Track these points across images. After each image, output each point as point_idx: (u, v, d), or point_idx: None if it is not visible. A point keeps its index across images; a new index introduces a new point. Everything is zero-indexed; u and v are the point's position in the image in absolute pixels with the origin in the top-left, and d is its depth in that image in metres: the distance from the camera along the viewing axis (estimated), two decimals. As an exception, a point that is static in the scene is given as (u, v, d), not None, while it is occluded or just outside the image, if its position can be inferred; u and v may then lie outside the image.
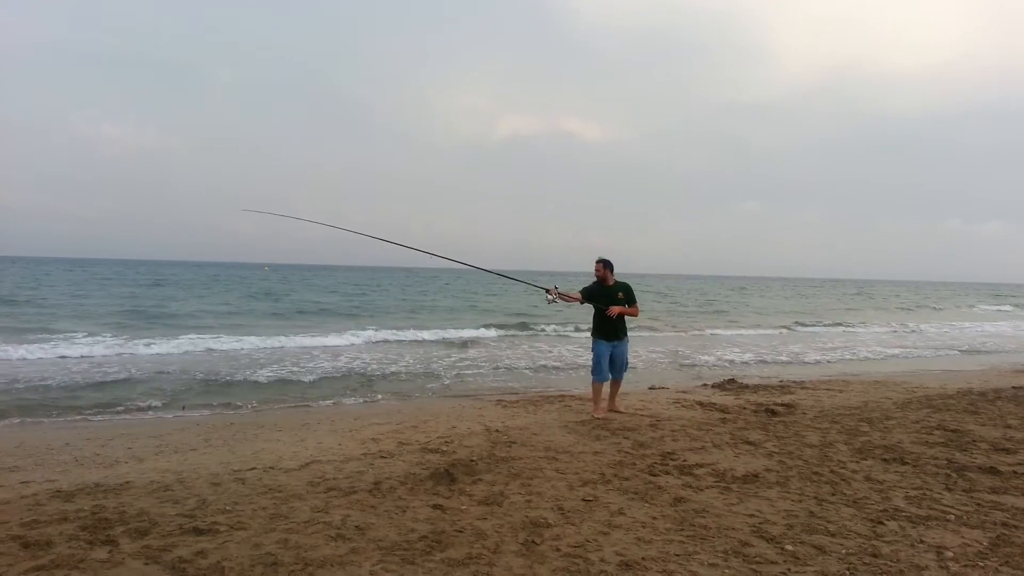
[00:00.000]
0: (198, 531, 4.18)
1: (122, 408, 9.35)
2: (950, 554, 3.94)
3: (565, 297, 8.15)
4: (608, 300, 8.06)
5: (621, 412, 8.33)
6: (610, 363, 8.22)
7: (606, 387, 8.39)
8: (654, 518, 4.53)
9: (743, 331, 25.03)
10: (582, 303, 8.19)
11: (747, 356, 17.33)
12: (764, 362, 16.34)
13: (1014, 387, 10.53)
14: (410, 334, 20.22)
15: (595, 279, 8.20)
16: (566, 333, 21.81)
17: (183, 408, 9.35)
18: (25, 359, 13.61)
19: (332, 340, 18.42)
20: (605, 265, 8.10)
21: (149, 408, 9.43)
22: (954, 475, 5.56)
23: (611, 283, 8.15)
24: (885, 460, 6.04)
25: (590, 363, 8.35)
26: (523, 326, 23.66)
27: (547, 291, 8.05)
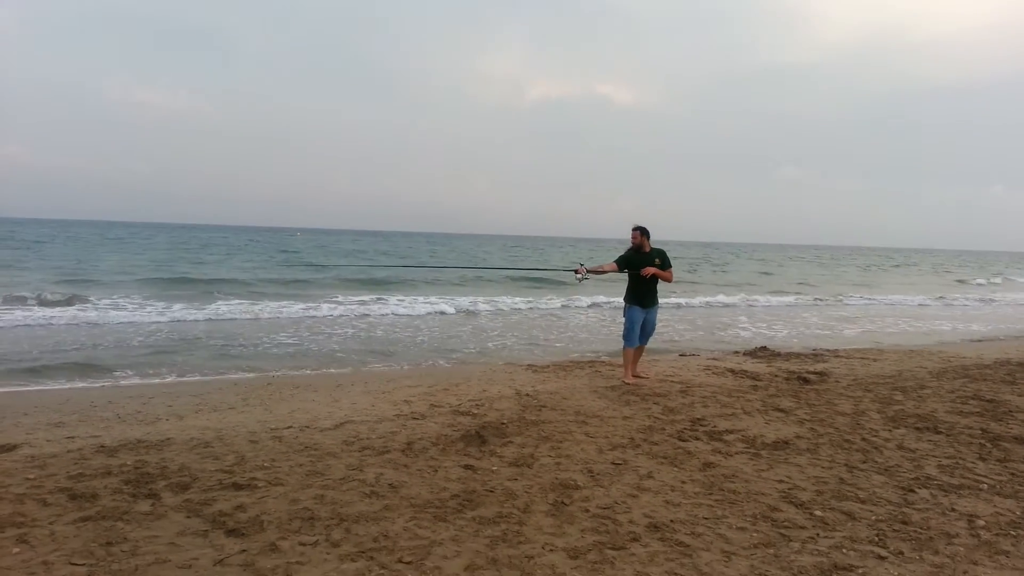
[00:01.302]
0: (237, 486, 4.31)
1: (164, 369, 9.59)
2: (982, 522, 3.93)
3: (595, 272, 8.16)
4: (644, 266, 8.03)
5: (646, 377, 8.34)
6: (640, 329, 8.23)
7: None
8: (683, 482, 4.56)
9: (776, 299, 24.78)
10: (619, 271, 8.18)
11: (779, 325, 17.20)
12: (797, 331, 16.21)
13: (1054, 358, 10.33)
14: (448, 301, 20.35)
15: (631, 247, 8.17)
16: (596, 302, 21.78)
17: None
18: (61, 321, 13.97)
19: (356, 308, 18.66)
20: (642, 232, 8.08)
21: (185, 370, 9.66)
22: (988, 445, 5.50)
23: (647, 250, 8.12)
24: (918, 429, 5.99)
25: (621, 329, 8.36)
26: (545, 292, 23.67)
27: (575, 271, 8.07)
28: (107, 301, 17.38)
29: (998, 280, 45.11)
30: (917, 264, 67.88)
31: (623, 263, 8.13)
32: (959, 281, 42.72)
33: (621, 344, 8.38)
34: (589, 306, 19.71)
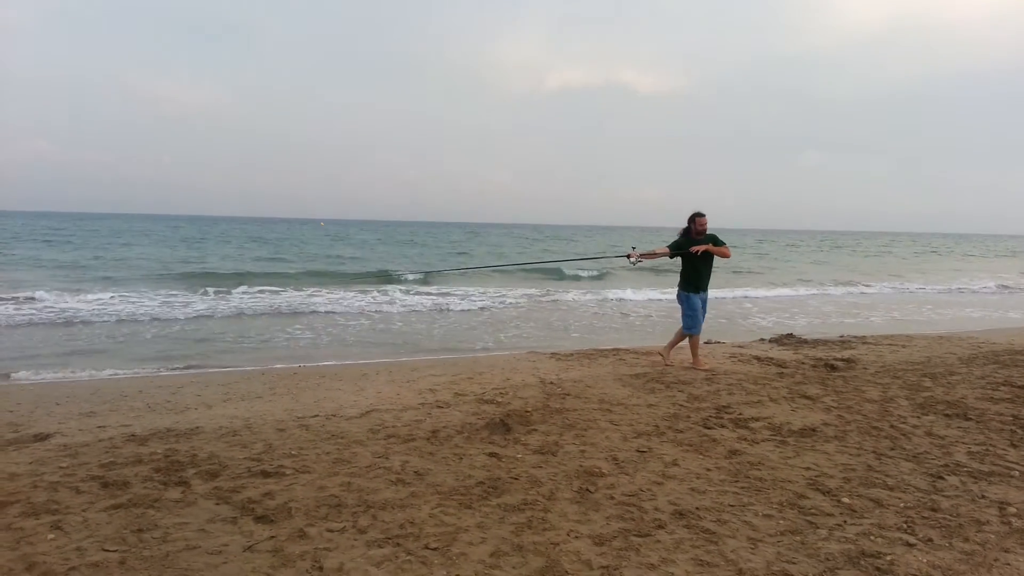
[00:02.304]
0: (265, 474, 4.36)
1: (195, 360, 9.72)
2: (1013, 510, 3.87)
3: (648, 255, 8.21)
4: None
5: (672, 365, 8.32)
6: None
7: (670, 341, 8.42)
8: (708, 470, 4.55)
9: (802, 289, 24.55)
10: (671, 257, 8.17)
11: (805, 312, 17.05)
12: (823, 318, 16.06)
13: (1088, 344, 10.13)
14: (469, 289, 20.41)
15: (684, 232, 8.19)
16: (624, 295, 21.72)
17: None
18: (89, 312, 14.20)
19: (376, 298, 18.87)
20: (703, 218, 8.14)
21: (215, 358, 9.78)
22: (1020, 431, 5.42)
23: (702, 235, 8.14)
24: (947, 416, 5.92)
25: (680, 319, 8.40)
26: (570, 281, 23.64)
27: (627, 256, 8.09)
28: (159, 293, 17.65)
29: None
30: (937, 252, 66.78)
31: (675, 247, 8.12)
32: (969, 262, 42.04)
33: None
34: (614, 299, 19.66)
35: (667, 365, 8.27)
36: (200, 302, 16.21)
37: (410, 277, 22.67)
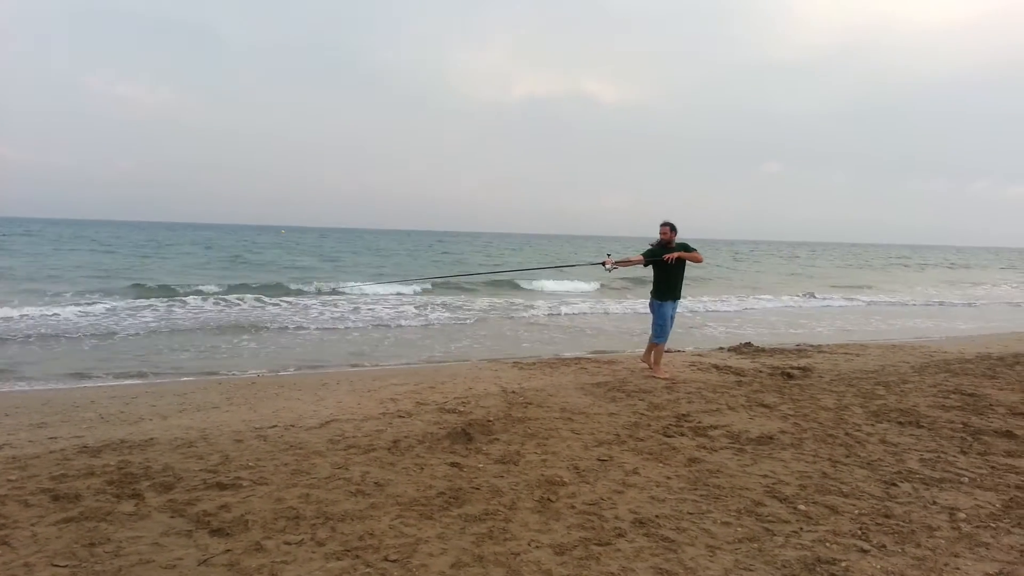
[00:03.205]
0: (221, 486, 4.29)
1: (148, 370, 9.53)
2: (962, 515, 3.97)
3: (623, 263, 8.34)
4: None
5: (665, 376, 8.36)
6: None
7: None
8: (668, 478, 4.58)
9: (762, 297, 24.92)
10: (644, 265, 8.26)
11: (764, 321, 17.31)
12: (781, 327, 16.32)
13: (1034, 352, 10.45)
14: (432, 296, 20.33)
15: (657, 242, 8.27)
16: (585, 299, 21.86)
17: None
18: (38, 319, 13.82)
19: (333, 308, 18.69)
20: (671, 228, 8.20)
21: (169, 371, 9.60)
22: (969, 439, 5.56)
23: (672, 245, 8.23)
24: (900, 423, 6.05)
25: (650, 329, 8.50)
26: (530, 293, 23.71)
27: (603, 263, 8.17)
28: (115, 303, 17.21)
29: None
30: (901, 262, 68.27)
31: (649, 255, 8.21)
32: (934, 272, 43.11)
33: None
34: (576, 300, 19.75)
35: (659, 376, 8.28)
36: (146, 312, 15.68)
37: (366, 289, 22.41)
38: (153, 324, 13.89)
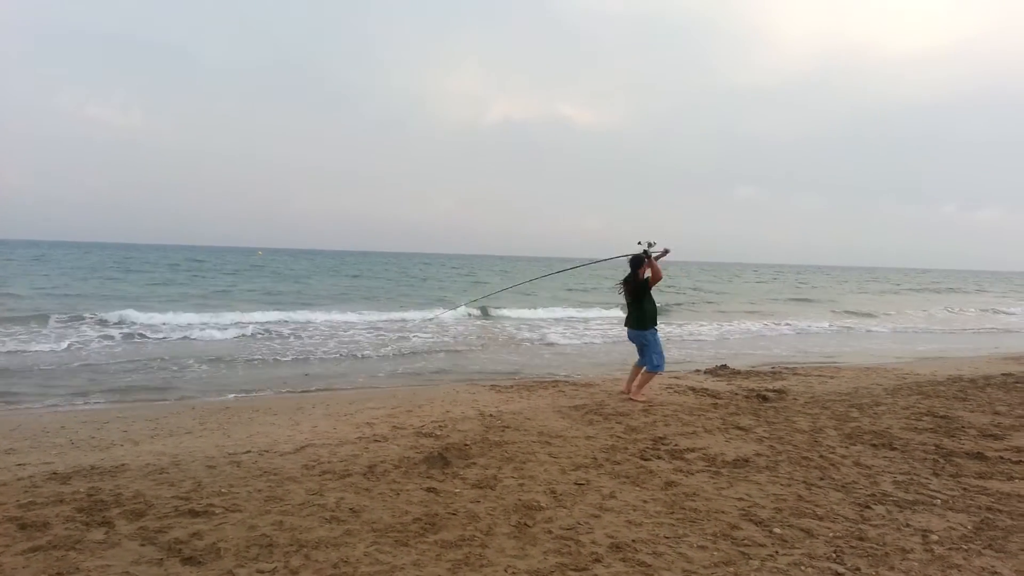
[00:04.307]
0: (194, 513, 4.23)
1: (121, 392, 9.39)
2: (935, 537, 4.01)
3: (661, 256, 8.36)
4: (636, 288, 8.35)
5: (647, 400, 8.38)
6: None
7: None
8: (645, 502, 4.59)
9: (735, 321, 25.11)
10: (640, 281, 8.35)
11: (740, 343, 17.44)
12: (757, 349, 16.44)
13: (1003, 374, 10.62)
14: (408, 314, 20.26)
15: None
16: (567, 319, 21.89)
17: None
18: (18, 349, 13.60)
19: (317, 315, 18.72)
20: (638, 265, 8.36)
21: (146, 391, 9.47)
22: (942, 460, 5.63)
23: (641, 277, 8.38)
24: (874, 445, 6.11)
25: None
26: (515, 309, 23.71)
27: (650, 249, 8.29)
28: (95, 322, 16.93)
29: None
30: (873, 283, 69.03)
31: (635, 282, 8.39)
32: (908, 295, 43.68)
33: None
34: (554, 322, 19.78)
35: (637, 399, 8.30)
36: (110, 334, 15.39)
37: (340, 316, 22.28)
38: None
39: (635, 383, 8.44)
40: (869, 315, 28.14)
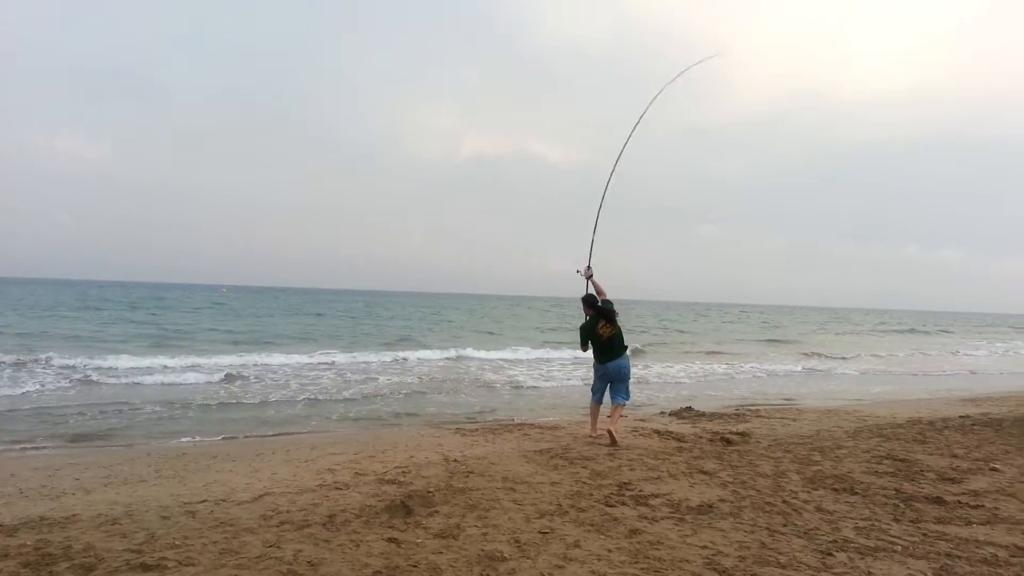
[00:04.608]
0: (145, 567, 4.09)
1: (73, 437, 9.13)
2: (896, 585, 4.02)
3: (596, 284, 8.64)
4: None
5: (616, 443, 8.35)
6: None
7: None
8: (609, 551, 4.55)
9: (699, 362, 25.29)
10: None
11: (704, 384, 17.56)
12: (721, 390, 16.55)
13: (961, 416, 10.79)
14: (372, 355, 20.08)
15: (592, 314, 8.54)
16: (532, 361, 21.88)
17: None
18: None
19: (276, 359, 18.53)
20: (589, 305, 8.55)
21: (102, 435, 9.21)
22: (902, 505, 5.68)
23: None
24: (836, 490, 6.15)
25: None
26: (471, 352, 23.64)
27: (584, 271, 8.61)
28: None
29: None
30: (835, 323, 70.06)
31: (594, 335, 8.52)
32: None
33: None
34: (519, 361, 19.73)
35: (597, 436, 8.41)
36: (63, 376, 14.95)
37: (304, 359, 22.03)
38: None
39: (614, 419, 8.38)
40: (833, 356, 28.52)
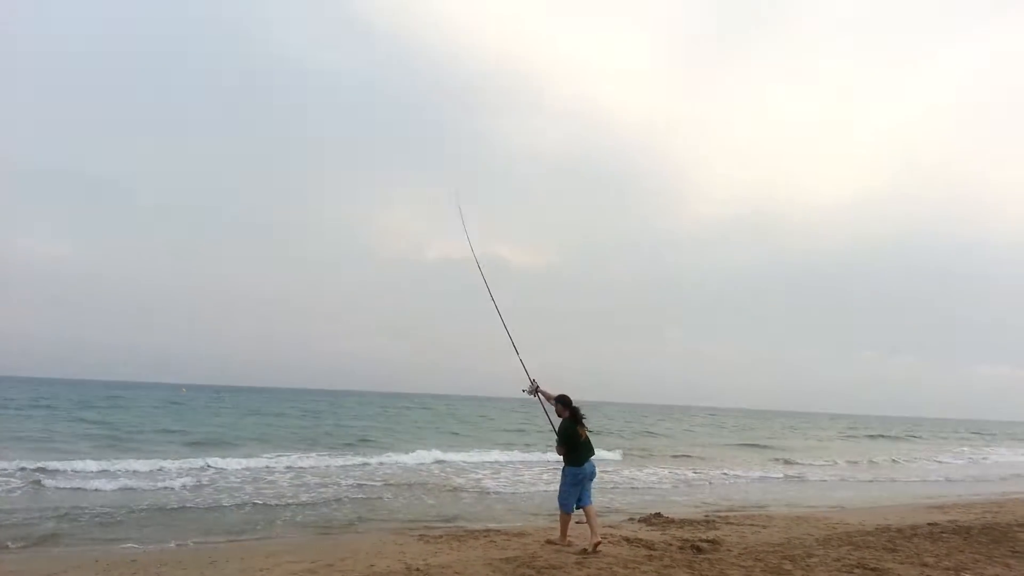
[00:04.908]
0: None
1: (15, 543, 8.68)
2: None
3: (545, 395, 8.59)
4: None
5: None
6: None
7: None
8: (577, 667, 4.36)
9: (668, 467, 25.06)
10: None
11: (672, 490, 17.36)
12: (692, 495, 16.36)
13: (929, 524, 10.75)
14: (336, 458, 19.58)
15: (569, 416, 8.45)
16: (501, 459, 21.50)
17: None
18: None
19: (232, 462, 18.05)
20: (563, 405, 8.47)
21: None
22: (874, 617, 5.56)
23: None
24: (808, 601, 6.01)
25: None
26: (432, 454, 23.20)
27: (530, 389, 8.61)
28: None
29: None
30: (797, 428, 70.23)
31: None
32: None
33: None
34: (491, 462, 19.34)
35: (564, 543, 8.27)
36: (4, 481, 14.19)
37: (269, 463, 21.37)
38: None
39: (594, 526, 8.17)
40: (801, 462, 28.42)
